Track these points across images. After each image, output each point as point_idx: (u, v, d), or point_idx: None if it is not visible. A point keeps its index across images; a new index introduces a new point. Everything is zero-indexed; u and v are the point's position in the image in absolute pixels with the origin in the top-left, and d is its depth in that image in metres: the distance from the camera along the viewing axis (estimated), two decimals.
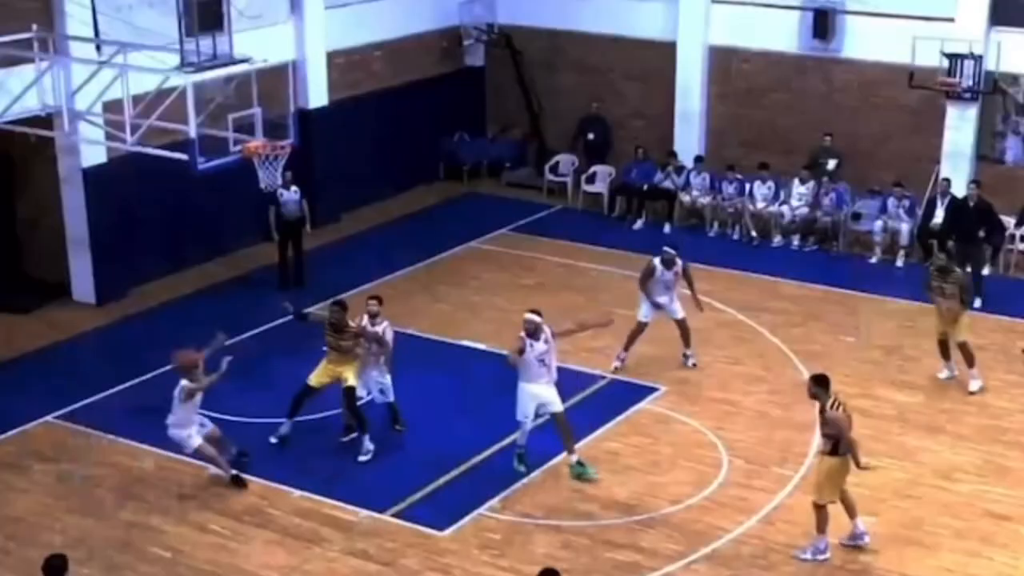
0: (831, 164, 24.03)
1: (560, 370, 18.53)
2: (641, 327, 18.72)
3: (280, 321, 19.29)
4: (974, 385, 17.98)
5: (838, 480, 14.02)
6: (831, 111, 24.71)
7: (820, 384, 14.01)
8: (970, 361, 17.98)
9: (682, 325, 18.81)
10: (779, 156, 24.80)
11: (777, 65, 25.15)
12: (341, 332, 16.24)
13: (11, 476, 15.98)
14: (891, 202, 23.08)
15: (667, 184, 25.10)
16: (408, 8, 26.41)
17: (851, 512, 14.29)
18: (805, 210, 23.77)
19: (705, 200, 24.74)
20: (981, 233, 20.77)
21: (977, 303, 19.93)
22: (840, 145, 24.27)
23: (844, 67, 24.54)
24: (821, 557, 14.11)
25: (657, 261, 18.51)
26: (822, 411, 13.92)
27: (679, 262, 18.55)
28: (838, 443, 13.79)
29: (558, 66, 27.43)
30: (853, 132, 24.42)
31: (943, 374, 18.32)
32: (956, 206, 21.93)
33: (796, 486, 15.61)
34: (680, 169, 25.14)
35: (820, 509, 14.10)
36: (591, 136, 26.82)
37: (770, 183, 24.23)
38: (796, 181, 23.98)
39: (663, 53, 25.95)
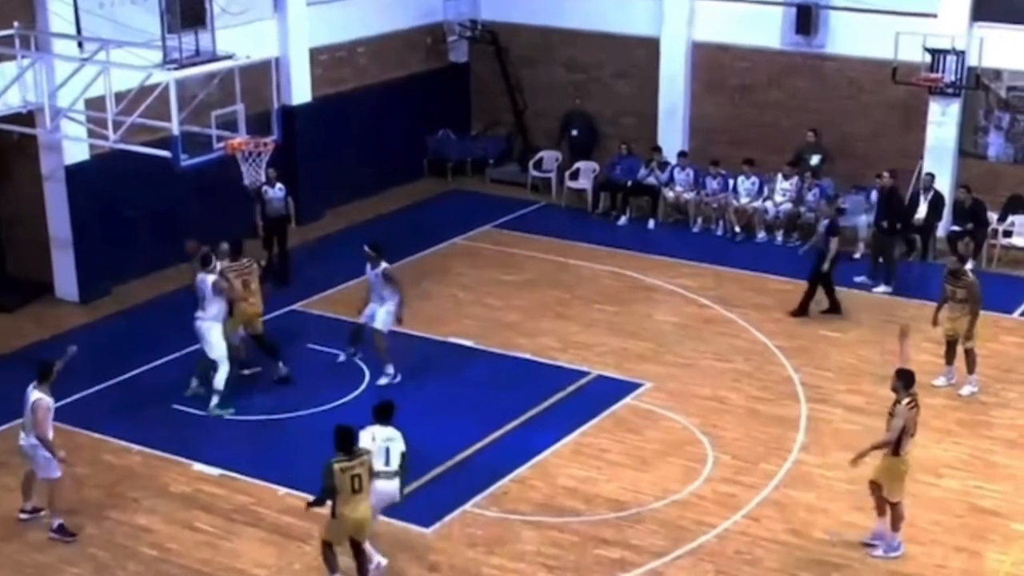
0: (815, 160, 24.06)
1: (546, 367, 18.67)
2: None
3: (265, 318, 19.21)
4: (966, 390, 17.90)
5: (903, 476, 14.03)
6: (815, 107, 24.73)
7: (901, 379, 13.99)
8: (971, 367, 17.94)
9: (374, 335, 18.10)
10: (763, 152, 24.82)
11: (761, 61, 25.17)
12: None
13: None
14: (874, 195, 23.11)
15: (651, 180, 25.10)
16: (391, 4, 26.36)
17: (881, 511, 14.28)
18: (788, 206, 23.79)
19: (689, 196, 24.76)
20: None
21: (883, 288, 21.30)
22: (824, 141, 24.30)
23: (827, 63, 24.57)
24: (893, 554, 14.10)
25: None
26: (894, 404, 13.94)
27: (382, 264, 18.01)
28: (900, 442, 13.81)
29: (543, 63, 27.42)
30: (837, 128, 24.44)
31: (939, 381, 18.06)
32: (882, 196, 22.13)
33: (781, 481, 15.64)
34: (664, 164, 25.14)
35: (895, 507, 14.10)
36: (574, 132, 26.82)
37: (754, 179, 24.25)
38: (779, 177, 24.02)
39: (648, 49, 25.98)
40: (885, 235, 21.67)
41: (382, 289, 18.01)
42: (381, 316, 18.00)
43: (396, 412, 13.67)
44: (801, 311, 20.37)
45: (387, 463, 13.40)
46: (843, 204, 23.57)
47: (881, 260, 21.73)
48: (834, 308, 20.50)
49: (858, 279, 21.66)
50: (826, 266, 20.20)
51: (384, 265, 18.04)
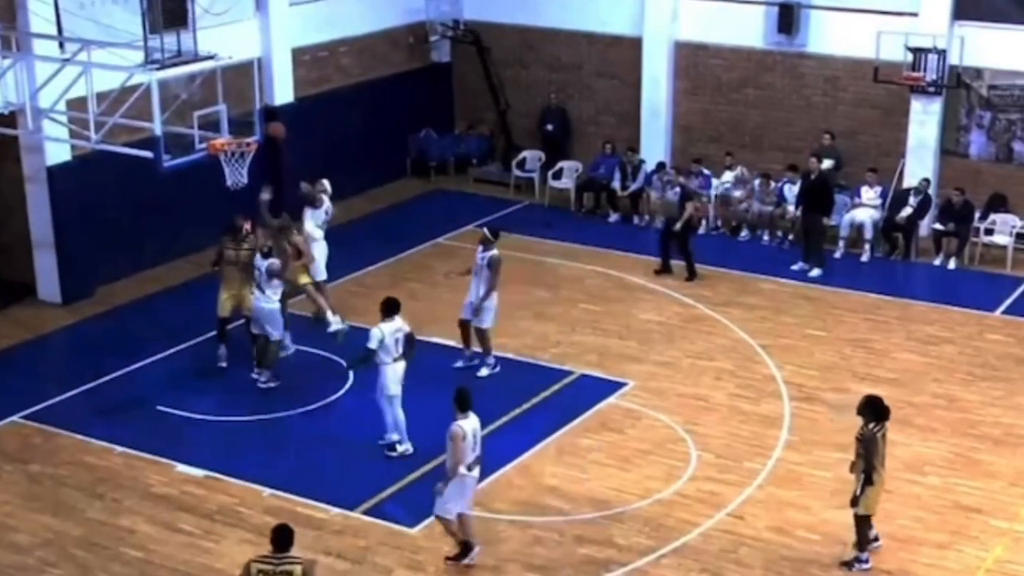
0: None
1: (529, 366, 18.65)
2: None
3: (243, 321, 19.13)
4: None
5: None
6: (797, 106, 24.78)
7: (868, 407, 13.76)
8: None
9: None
10: (747, 151, 24.88)
11: (743, 60, 25.21)
12: None
13: None
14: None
15: (615, 185, 25.04)
16: (374, 4, 26.32)
17: None
18: (769, 208, 23.73)
19: (669, 195, 24.72)
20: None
21: (816, 272, 22.06)
22: (807, 141, 24.28)
23: (809, 62, 24.62)
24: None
25: None
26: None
27: (493, 250, 18.46)
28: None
29: (525, 62, 27.42)
30: (819, 127, 24.45)
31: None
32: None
33: (765, 480, 15.65)
34: (639, 164, 25.09)
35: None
36: (550, 127, 26.86)
37: (736, 174, 24.18)
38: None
39: (630, 49, 26.00)
40: (810, 219, 22.31)
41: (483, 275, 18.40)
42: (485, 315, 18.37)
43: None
44: (663, 270, 22.12)
45: None
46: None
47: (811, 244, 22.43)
48: (691, 275, 21.87)
49: (794, 267, 22.11)
50: (677, 227, 21.83)
51: (494, 252, 18.40)
